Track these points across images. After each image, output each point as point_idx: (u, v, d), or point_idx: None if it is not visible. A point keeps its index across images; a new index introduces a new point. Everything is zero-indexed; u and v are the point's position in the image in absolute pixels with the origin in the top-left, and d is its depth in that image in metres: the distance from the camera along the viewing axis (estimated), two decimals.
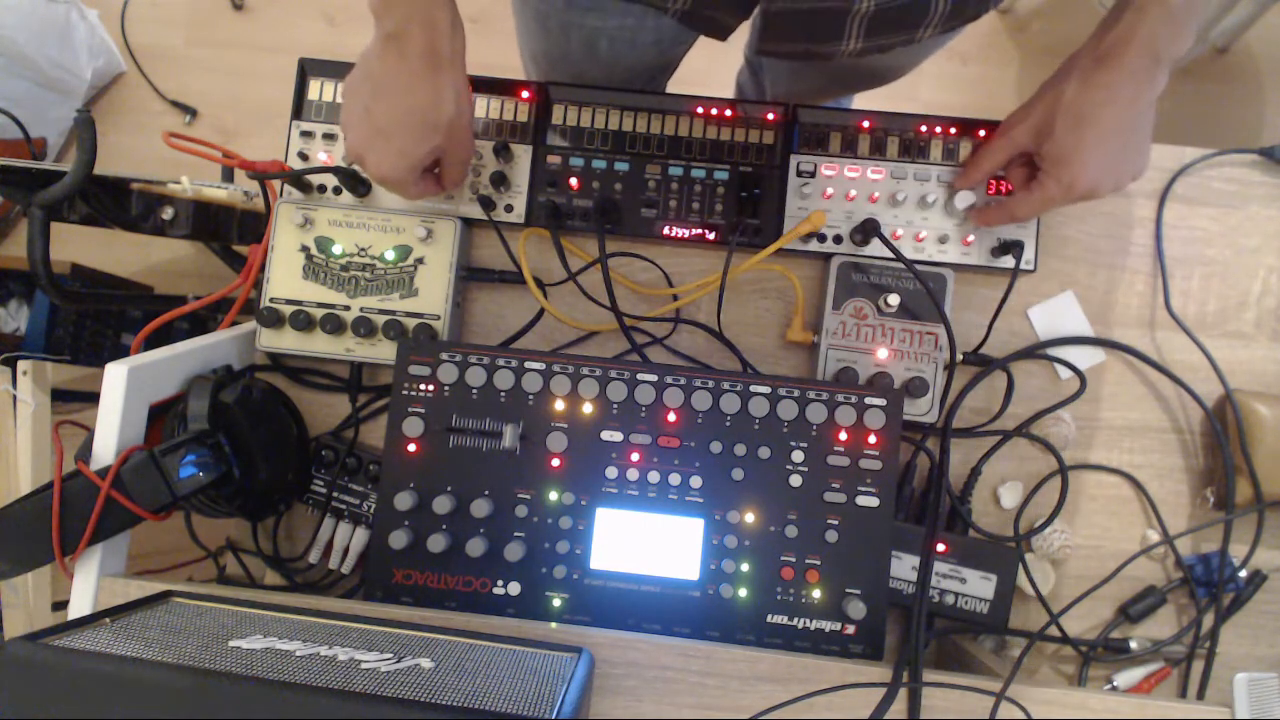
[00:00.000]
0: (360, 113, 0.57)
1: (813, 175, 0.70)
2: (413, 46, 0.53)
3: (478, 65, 0.58)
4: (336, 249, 0.68)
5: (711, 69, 1.19)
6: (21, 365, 0.89)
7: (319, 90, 0.71)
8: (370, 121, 0.57)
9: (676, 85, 0.89)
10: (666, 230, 0.70)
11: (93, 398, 0.61)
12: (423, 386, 0.62)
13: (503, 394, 0.62)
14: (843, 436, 0.61)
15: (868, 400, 0.61)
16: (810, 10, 0.59)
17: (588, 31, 0.75)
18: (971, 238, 0.69)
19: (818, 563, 0.60)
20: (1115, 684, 0.68)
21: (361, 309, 0.68)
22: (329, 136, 0.71)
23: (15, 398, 0.89)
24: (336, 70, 0.71)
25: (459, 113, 0.58)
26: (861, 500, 0.60)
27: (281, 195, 0.72)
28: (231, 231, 0.98)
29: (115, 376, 0.58)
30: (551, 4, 0.73)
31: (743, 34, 0.72)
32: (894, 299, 0.67)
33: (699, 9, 0.61)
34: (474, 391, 0.62)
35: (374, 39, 0.55)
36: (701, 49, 0.83)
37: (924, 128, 0.69)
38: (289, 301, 0.69)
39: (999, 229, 0.68)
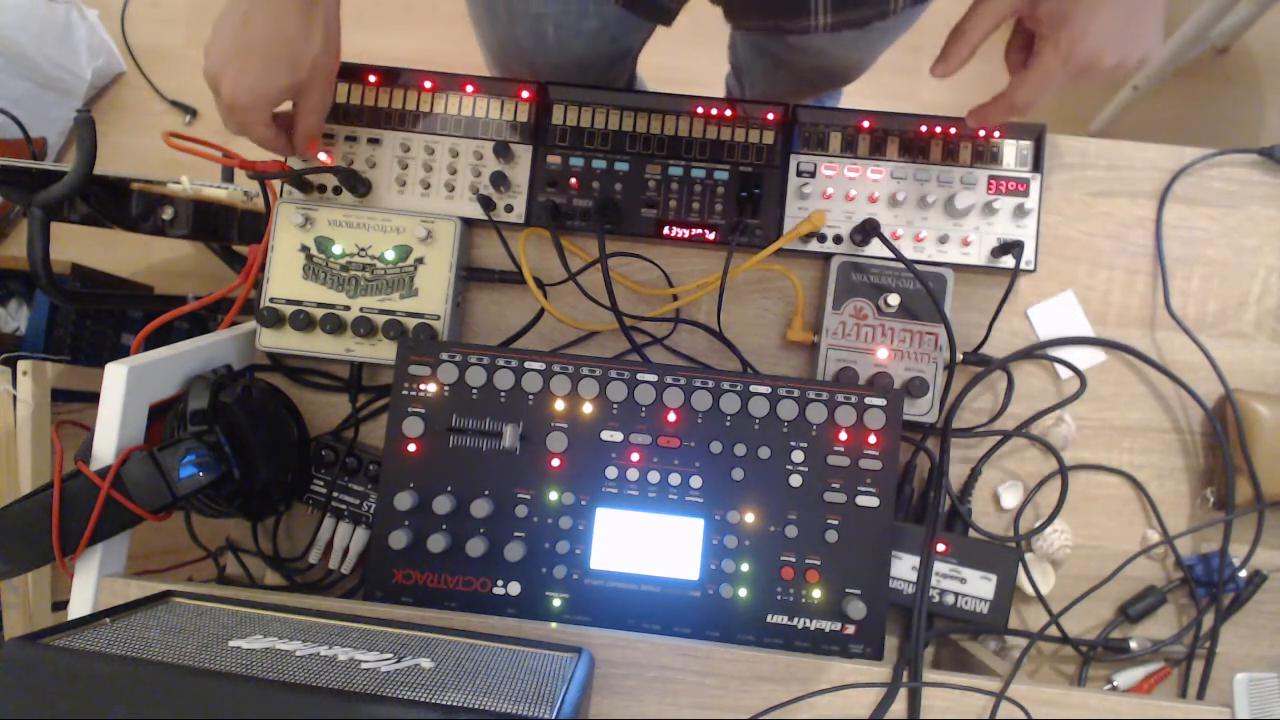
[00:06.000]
0: (226, 34, 0.56)
1: (813, 175, 0.70)
2: None
3: (469, 65, 0.58)
4: (336, 249, 0.69)
5: (709, 70, 1.18)
6: (21, 365, 0.89)
7: None
8: (234, 43, 0.56)
9: (675, 87, 0.89)
10: (666, 230, 0.70)
11: (93, 398, 0.61)
12: (423, 386, 0.62)
13: (503, 394, 0.62)
14: (843, 436, 0.61)
15: (868, 400, 0.61)
16: None
17: (532, 18, 0.75)
18: (971, 238, 0.69)
19: (818, 563, 0.60)
20: (1115, 684, 0.68)
21: (361, 309, 0.68)
22: (328, 137, 0.71)
23: (15, 398, 0.89)
24: None
25: (325, 53, 0.58)
26: (861, 500, 0.60)
27: (281, 195, 0.72)
28: (231, 231, 0.98)
29: (115, 376, 0.58)
30: None
31: (726, 37, 0.71)
32: (894, 299, 0.67)
33: None
34: (474, 391, 0.62)
35: None
36: (698, 52, 0.83)
37: (924, 128, 0.69)
38: (289, 301, 0.69)
39: (1000, 213, 0.68)
